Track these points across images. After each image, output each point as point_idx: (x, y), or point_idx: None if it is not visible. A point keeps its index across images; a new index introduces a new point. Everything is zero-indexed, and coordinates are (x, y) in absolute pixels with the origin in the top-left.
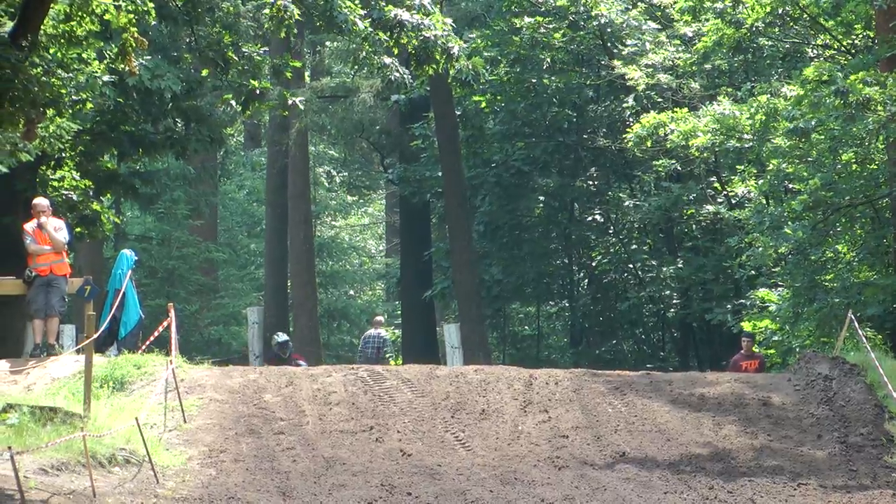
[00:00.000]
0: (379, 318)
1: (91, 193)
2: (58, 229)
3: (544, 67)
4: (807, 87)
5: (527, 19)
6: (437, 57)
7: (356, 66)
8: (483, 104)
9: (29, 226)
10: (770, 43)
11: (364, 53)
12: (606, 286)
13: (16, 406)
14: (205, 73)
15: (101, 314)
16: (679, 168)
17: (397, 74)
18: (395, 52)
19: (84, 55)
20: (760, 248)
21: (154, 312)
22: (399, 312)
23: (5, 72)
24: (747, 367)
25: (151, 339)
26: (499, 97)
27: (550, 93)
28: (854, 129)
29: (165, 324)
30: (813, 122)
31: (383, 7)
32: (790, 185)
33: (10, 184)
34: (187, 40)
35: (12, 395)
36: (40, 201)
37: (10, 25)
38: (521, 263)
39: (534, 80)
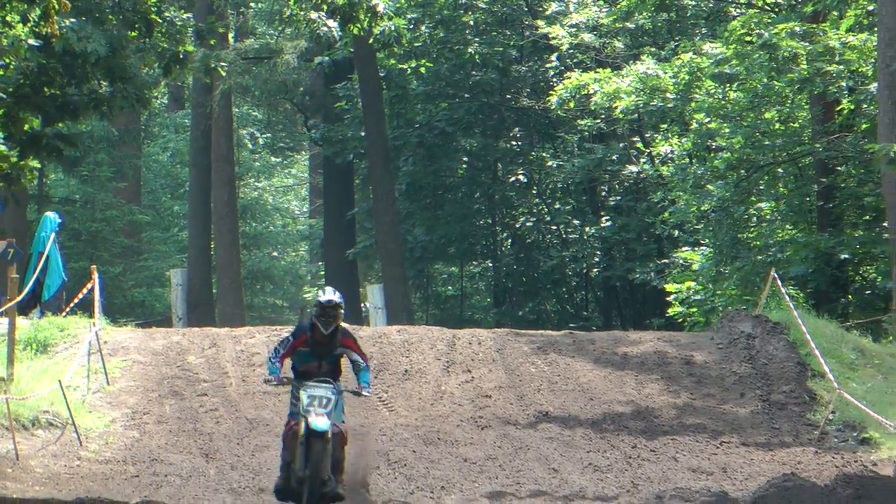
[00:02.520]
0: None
1: (9, 149)
2: None
3: (467, 30)
4: (732, 42)
5: None
6: (361, 16)
7: (283, 26)
8: (409, 72)
9: None
10: (693, 2)
11: (290, 11)
12: (529, 246)
13: None
14: (132, 35)
15: (24, 277)
16: (603, 128)
17: (325, 28)
18: (325, 8)
19: (8, 18)
20: (683, 205)
21: (77, 275)
22: (322, 273)
23: None
24: None
25: (75, 301)
26: (422, 64)
27: (474, 53)
28: (777, 84)
29: (89, 286)
30: (738, 70)
31: None
32: (714, 144)
33: None
34: (110, 3)
35: None
36: None
37: None
38: (444, 224)
39: (458, 46)
